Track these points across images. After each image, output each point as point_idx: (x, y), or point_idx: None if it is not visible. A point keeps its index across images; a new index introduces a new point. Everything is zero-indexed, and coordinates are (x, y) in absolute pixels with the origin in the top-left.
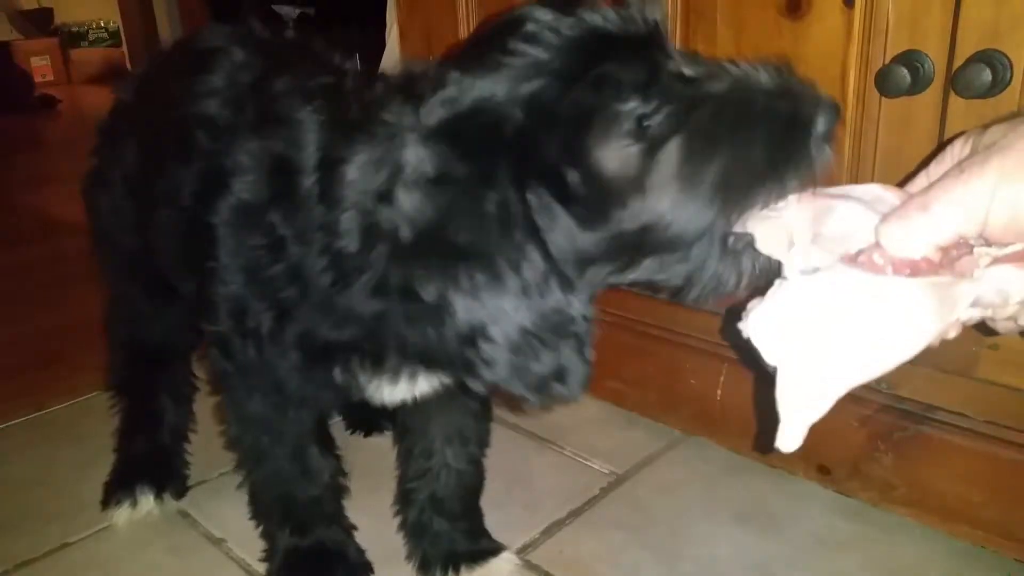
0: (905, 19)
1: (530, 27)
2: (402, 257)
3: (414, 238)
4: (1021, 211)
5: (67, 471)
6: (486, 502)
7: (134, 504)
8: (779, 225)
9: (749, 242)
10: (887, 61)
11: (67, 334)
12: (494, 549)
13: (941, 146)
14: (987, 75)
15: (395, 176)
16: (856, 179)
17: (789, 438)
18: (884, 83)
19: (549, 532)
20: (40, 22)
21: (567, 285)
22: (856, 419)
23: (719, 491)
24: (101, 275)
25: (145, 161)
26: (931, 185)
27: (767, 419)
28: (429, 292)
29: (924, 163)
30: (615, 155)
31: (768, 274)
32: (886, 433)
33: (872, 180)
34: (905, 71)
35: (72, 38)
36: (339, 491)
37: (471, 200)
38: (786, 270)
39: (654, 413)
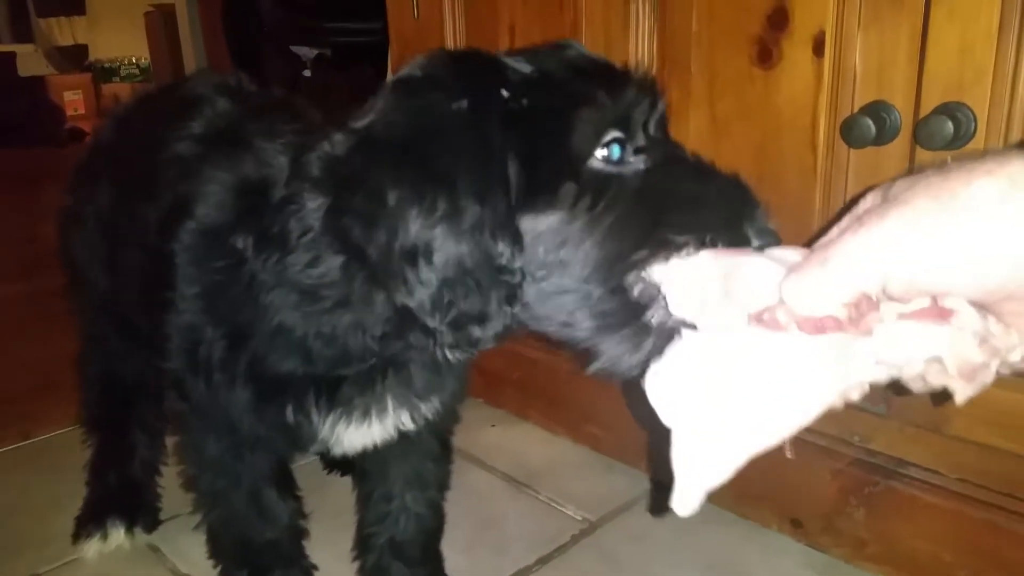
0: (873, 70)
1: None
2: (370, 157)
3: (392, 145)
4: (919, 269)
5: (44, 501)
6: (455, 545)
7: (104, 537)
8: (691, 282)
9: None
10: (855, 111)
11: (61, 364)
12: None
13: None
14: (949, 127)
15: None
16: (827, 228)
17: (685, 501)
18: (849, 134)
19: None
20: (74, 57)
21: (517, 241)
22: (828, 472)
23: (691, 541)
24: (74, 312)
25: (117, 201)
26: (831, 239)
27: (664, 476)
28: (392, 197)
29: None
30: (588, 160)
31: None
32: (858, 487)
33: None
34: (870, 122)
35: (104, 73)
36: (299, 534)
37: (457, 129)
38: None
39: (632, 460)
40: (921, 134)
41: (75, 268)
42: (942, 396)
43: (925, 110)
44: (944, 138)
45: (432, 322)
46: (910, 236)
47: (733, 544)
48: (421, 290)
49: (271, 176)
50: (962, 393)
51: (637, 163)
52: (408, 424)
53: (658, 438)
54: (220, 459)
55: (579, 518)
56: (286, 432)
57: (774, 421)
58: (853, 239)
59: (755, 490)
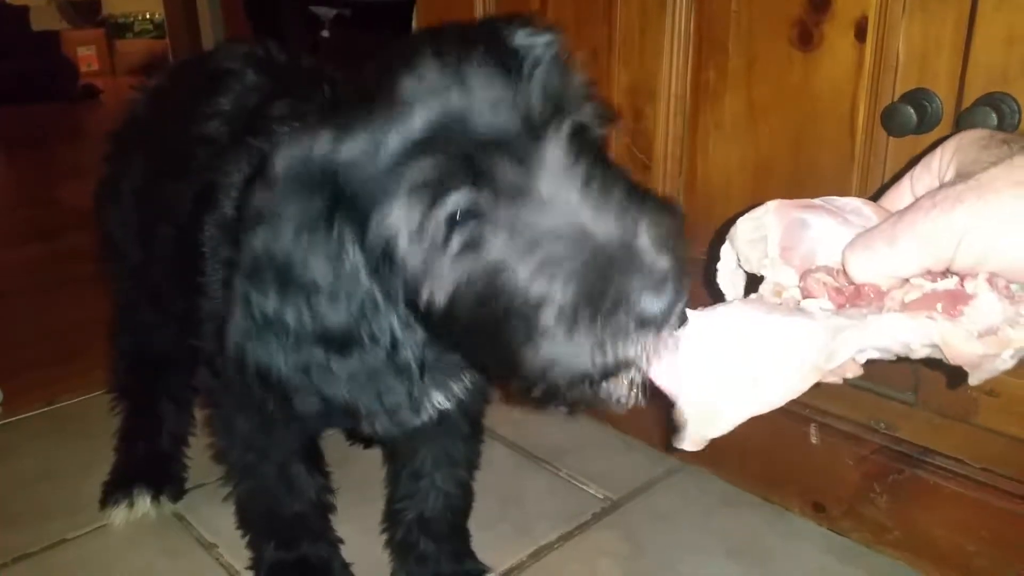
0: (916, 57)
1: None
2: (244, 275)
3: (256, 259)
4: (989, 255)
5: (72, 467)
6: (478, 521)
7: (131, 505)
8: (760, 236)
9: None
10: (896, 98)
11: (85, 329)
12: (478, 571)
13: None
14: (993, 118)
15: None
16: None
17: (690, 443)
18: (890, 121)
19: (537, 556)
20: (88, 12)
21: (407, 324)
22: (852, 458)
23: (713, 523)
24: (108, 281)
25: (150, 176)
26: (901, 213)
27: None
28: (266, 314)
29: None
30: (411, 239)
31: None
32: (882, 474)
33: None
34: (911, 110)
35: (118, 29)
36: (326, 508)
37: (302, 238)
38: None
39: (653, 439)
40: (963, 125)
41: (109, 238)
42: (960, 375)
43: (968, 100)
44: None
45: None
46: (985, 223)
47: (755, 526)
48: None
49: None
50: (972, 377)
51: (484, 237)
52: (444, 404)
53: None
54: (250, 434)
55: (600, 496)
56: (318, 413)
57: (759, 392)
58: (925, 220)
59: (779, 473)
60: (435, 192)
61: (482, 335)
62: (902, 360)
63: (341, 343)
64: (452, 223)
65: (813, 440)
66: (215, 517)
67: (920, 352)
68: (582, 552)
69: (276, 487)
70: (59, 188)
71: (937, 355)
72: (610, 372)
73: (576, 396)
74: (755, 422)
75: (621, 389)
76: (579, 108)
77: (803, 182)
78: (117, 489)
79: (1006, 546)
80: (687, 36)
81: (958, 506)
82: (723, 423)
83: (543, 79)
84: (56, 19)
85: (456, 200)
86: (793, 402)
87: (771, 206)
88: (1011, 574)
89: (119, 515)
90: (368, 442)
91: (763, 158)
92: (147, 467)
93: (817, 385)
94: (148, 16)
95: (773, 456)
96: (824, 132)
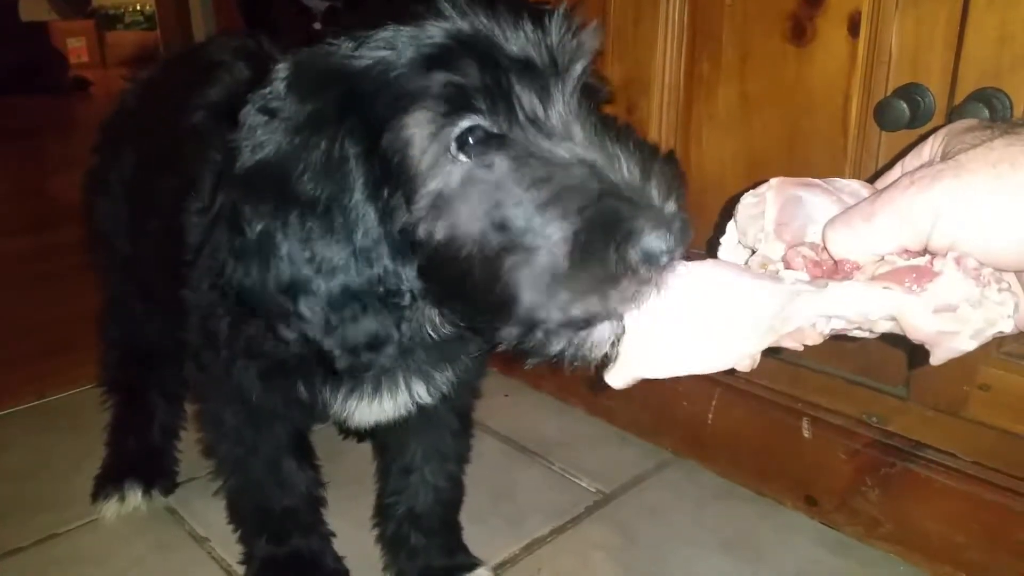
0: (908, 52)
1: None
2: (233, 184)
3: (249, 167)
4: (963, 233)
5: (62, 462)
6: (470, 514)
7: (122, 499)
8: (760, 212)
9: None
10: (889, 93)
11: (75, 323)
12: (470, 565)
13: None
14: (985, 114)
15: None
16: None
17: (617, 378)
18: (883, 116)
19: (529, 549)
20: (77, 3)
21: (400, 254)
22: (844, 452)
23: (706, 516)
24: (97, 273)
25: (139, 167)
26: (881, 191)
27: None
28: (254, 228)
29: None
30: (424, 148)
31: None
32: (874, 468)
33: None
34: (904, 105)
35: (108, 20)
36: (317, 502)
37: (302, 142)
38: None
39: (646, 433)
40: (956, 119)
41: (99, 230)
42: (921, 355)
43: (960, 95)
44: None
45: (328, 346)
46: (961, 200)
47: (747, 519)
48: (304, 324)
49: None
50: (933, 356)
51: (497, 158)
52: (425, 397)
53: None
54: (238, 428)
55: (593, 490)
56: (299, 406)
57: (716, 345)
58: (902, 197)
59: (771, 467)
60: (456, 103)
61: (480, 267)
62: (894, 353)
63: (331, 266)
64: (467, 139)
65: (805, 434)
66: (207, 511)
67: (880, 325)
68: (574, 545)
69: (266, 481)
70: (49, 181)
71: (897, 330)
72: (610, 312)
73: (564, 343)
74: (748, 416)
75: (604, 338)
76: (589, 65)
77: (796, 175)
78: (108, 483)
79: (996, 539)
80: (681, 28)
81: (949, 499)
82: (661, 368)
83: (564, 24)
84: (45, 10)
85: (475, 116)
86: (785, 396)
87: (773, 183)
88: None
89: (110, 509)
90: (360, 436)
91: (756, 151)
92: (138, 461)
93: (805, 381)
94: (139, 7)
95: (765, 449)
96: (817, 126)
